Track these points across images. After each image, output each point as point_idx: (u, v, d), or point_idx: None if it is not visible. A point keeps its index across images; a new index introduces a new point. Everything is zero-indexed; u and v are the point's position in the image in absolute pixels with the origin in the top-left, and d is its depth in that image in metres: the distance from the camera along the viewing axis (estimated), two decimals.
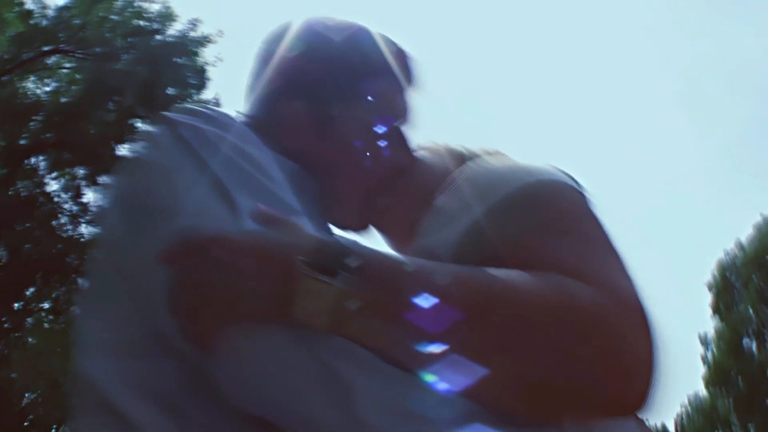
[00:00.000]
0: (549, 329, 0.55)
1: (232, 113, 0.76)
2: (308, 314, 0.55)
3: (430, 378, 0.55)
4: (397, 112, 0.86)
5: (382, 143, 0.83)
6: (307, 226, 0.62)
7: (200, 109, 0.70)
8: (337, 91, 0.82)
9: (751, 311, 18.78)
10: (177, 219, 0.60)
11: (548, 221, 0.66)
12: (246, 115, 0.86)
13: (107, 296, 0.65)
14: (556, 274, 0.59)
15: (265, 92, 0.84)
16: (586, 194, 0.73)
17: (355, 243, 0.59)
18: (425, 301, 0.55)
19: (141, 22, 12.60)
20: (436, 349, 0.55)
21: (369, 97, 0.82)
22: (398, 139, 0.86)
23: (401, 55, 0.87)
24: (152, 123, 0.70)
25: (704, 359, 19.30)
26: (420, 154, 0.89)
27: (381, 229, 0.92)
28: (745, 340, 18.80)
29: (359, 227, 0.88)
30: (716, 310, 19.59)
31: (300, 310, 0.55)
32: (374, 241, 0.88)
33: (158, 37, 12.54)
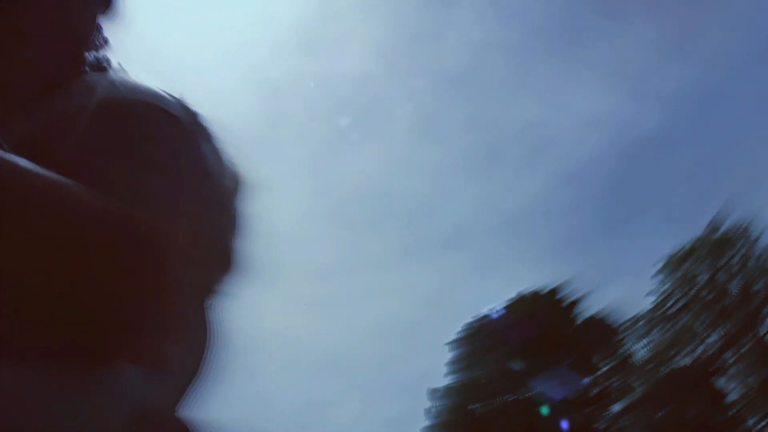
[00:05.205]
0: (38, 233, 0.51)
1: None
2: None
3: None
4: (77, 24, 0.82)
5: (49, 51, 0.79)
6: None
7: None
8: None
9: (484, 377, 20.94)
10: None
11: (116, 141, 0.66)
12: None
13: None
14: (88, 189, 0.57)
15: None
16: (188, 121, 0.72)
17: None
18: None
19: None
20: None
21: (49, 4, 0.77)
22: (70, 52, 0.82)
23: None
24: None
25: (431, 413, 20.89)
26: (89, 74, 0.83)
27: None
28: (474, 404, 20.89)
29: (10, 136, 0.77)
30: (455, 368, 21.37)
31: None
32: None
33: None
